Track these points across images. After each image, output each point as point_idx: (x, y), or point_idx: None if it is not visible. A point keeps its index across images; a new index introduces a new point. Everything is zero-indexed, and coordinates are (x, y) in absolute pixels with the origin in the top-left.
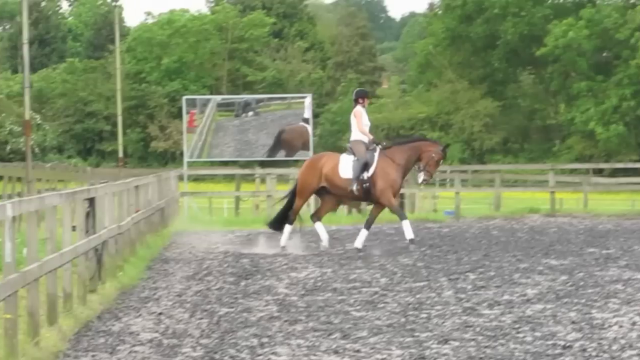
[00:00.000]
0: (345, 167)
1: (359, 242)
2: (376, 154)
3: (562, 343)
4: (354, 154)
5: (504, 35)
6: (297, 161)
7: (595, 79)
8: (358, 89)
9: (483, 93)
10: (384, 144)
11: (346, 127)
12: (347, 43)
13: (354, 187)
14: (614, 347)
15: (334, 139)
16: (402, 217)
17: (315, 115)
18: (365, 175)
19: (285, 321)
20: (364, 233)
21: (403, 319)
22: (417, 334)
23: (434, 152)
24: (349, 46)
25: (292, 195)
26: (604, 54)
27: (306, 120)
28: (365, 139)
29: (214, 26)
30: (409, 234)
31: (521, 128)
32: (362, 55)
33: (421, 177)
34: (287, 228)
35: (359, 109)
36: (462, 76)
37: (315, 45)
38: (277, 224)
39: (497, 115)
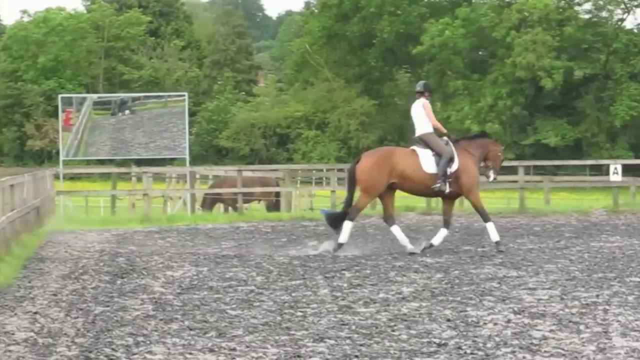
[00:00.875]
0: (428, 162)
1: (437, 240)
2: (453, 148)
3: (437, 341)
4: (430, 148)
5: (380, 34)
6: (173, 159)
7: (471, 78)
8: (424, 81)
9: (359, 91)
10: (452, 137)
11: (222, 126)
12: (223, 41)
13: (441, 184)
14: (489, 345)
15: (211, 137)
16: (487, 218)
17: (192, 114)
18: (449, 170)
19: (161, 320)
20: (443, 232)
21: (279, 318)
22: (292, 332)
23: (499, 151)
24: (226, 45)
25: (351, 193)
26: (480, 53)
27: None
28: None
29: (90, 25)
30: (494, 236)
31: (397, 126)
32: (239, 53)
33: (492, 175)
34: (348, 225)
35: (428, 102)
36: (339, 75)
37: (192, 44)
38: (337, 221)
39: (374, 113)
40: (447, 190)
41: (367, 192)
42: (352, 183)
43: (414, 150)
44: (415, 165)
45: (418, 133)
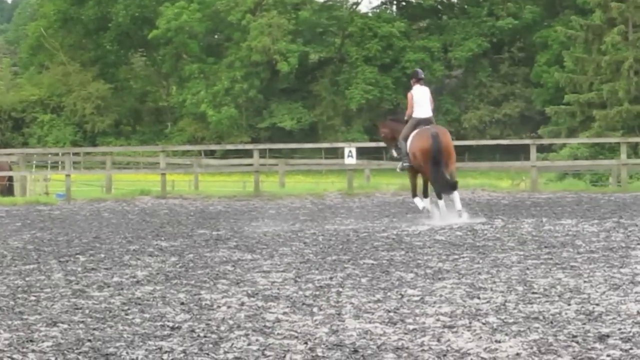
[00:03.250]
0: None
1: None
2: None
3: (171, 324)
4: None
5: (116, 17)
6: None
7: (207, 61)
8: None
9: (95, 75)
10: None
11: None
12: None
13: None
14: (222, 328)
15: None
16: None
17: None
18: None
19: None
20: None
21: (12, 302)
22: (25, 316)
23: None
24: None
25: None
26: (216, 37)
27: None
28: None
29: None
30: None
31: (133, 110)
32: None
33: None
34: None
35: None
36: (74, 58)
37: None
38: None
39: (109, 97)
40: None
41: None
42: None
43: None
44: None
45: (427, 115)
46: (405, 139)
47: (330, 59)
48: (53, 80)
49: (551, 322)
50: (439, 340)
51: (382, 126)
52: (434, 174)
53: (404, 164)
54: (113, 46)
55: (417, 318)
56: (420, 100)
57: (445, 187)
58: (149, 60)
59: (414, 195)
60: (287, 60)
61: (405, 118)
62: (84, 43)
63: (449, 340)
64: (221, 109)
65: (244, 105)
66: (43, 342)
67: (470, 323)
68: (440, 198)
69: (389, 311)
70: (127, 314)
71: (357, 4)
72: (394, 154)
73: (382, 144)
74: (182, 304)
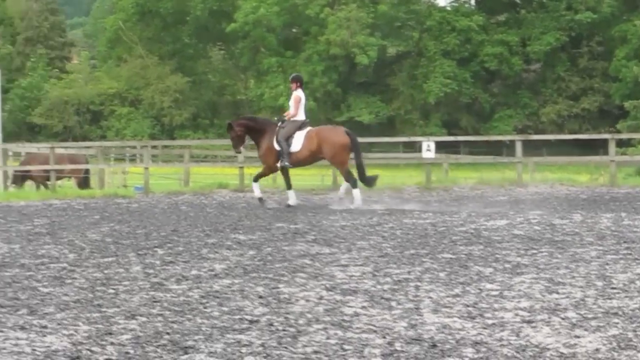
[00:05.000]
0: None
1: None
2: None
3: (249, 317)
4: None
5: (194, 11)
6: None
7: (285, 55)
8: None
9: (173, 68)
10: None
11: (35, 103)
12: (36, 18)
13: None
14: (301, 321)
15: (24, 114)
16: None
17: (5, 91)
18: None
19: None
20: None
21: (91, 295)
22: (104, 309)
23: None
24: (39, 21)
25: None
26: (294, 30)
27: None
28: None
29: None
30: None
31: (211, 103)
32: (52, 30)
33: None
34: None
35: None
36: (152, 51)
37: (5, 21)
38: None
39: (187, 90)
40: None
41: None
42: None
43: None
44: None
45: (305, 118)
46: (287, 139)
47: (408, 53)
48: (131, 74)
49: (631, 318)
50: (517, 335)
51: (237, 125)
52: (361, 169)
53: (286, 163)
54: (191, 39)
55: (496, 313)
56: (303, 104)
57: (367, 178)
58: (227, 53)
59: (256, 180)
60: (367, 54)
61: (287, 118)
62: (162, 36)
63: (527, 335)
64: None
65: (322, 98)
66: (122, 334)
67: (549, 318)
68: (355, 187)
69: (468, 306)
70: (205, 307)
71: None
72: (240, 151)
73: (460, 138)
74: (261, 297)
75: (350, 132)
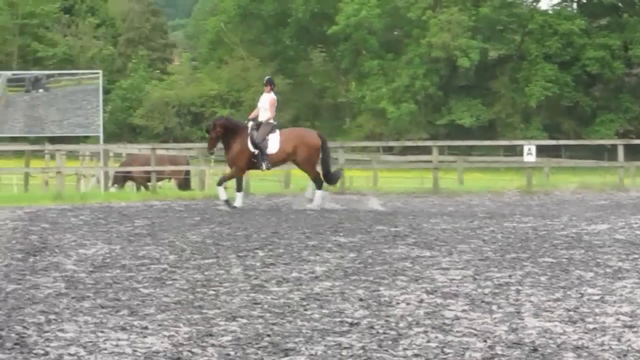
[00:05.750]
0: None
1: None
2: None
3: (350, 320)
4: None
5: (295, 13)
6: (87, 137)
7: (386, 58)
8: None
9: (274, 70)
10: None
11: (137, 104)
12: (138, 20)
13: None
14: (401, 325)
15: (125, 115)
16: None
17: (106, 92)
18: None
19: (73, 298)
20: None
21: (191, 296)
22: (205, 310)
23: None
24: (140, 23)
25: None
26: (395, 33)
27: None
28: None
29: (4, 2)
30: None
31: (312, 105)
32: (153, 31)
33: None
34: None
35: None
36: (253, 53)
37: (107, 22)
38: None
39: (288, 92)
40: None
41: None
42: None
43: None
44: None
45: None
46: (264, 140)
47: (509, 56)
48: (232, 75)
49: None
50: (619, 340)
51: (219, 125)
52: (327, 168)
53: (268, 165)
54: (292, 42)
55: (597, 317)
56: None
57: (331, 176)
58: (327, 55)
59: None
60: (468, 57)
61: (266, 120)
62: (264, 38)
63: (629, 340)
64: (400, 105)
65: (423, 101)
66: (222, 336)
67: None
68: (320, 188)
69: (569, 310)
70: (306, 310)
71: (538, 1)
72: (213, 152)
73: (562, 142)
74: (361, 300)
75: (321, 134)
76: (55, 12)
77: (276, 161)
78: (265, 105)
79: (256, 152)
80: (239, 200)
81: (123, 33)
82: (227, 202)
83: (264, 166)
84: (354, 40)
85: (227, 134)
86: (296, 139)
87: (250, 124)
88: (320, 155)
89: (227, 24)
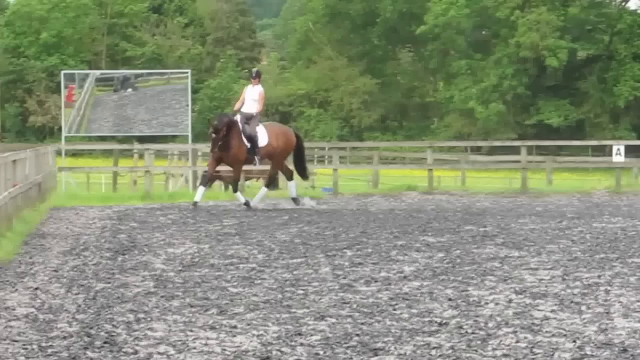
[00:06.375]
0: None
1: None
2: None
3: (439, 320)
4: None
5: (384, 12)
6: (175, 137)
7: (474, 58)
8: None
9: (362, 70)
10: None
11: (225, 103)
12: (226, 19)
13: None
14: (490, 325)
15: (214, 114)
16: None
17: (194, 92)
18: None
19: (162, 297)
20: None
21: (280, 296)
22: (294, 310)
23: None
24: (229, 22)
25: None
26: (483, 33)
27: None
28: None
29: (93, 1)
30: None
31: (400, 105)
32: (242, 31)
33: None
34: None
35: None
36: (342, 53)
37: (195, 21)
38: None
39: (376, 92)
40: None
41: None
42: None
43: None
44: None
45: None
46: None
47: (598, 57)
48: (320, 75)
49: None
50: None
51: (226, 125)
52: (303, 164)
53: (259, 159)
54: (380, 41)
55: None
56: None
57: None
58: (416, 55)
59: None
60: (557, 57)
61: (256, 113)
62: (352, 38)
63: None
64: (489, 106)
65: (512, 102)
66: (311, 335)
67: None
68: (267, 188)
69: None
70: (394, 309)
71: (627, 1)
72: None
73: None
74: (450, 300)
75: (297, 132)
76: (144, 11)
77: (264, 155)
78: (255, 97)
79: (249, 145)
80: (199, 196)
81: (211, 33)
82: (247, 204)
83: (257, 161)
84: (443, 40)
85: (227, 132)
86: (284, 135)
87: (239, 117)
88: (296, 152)
89: (315, 24)
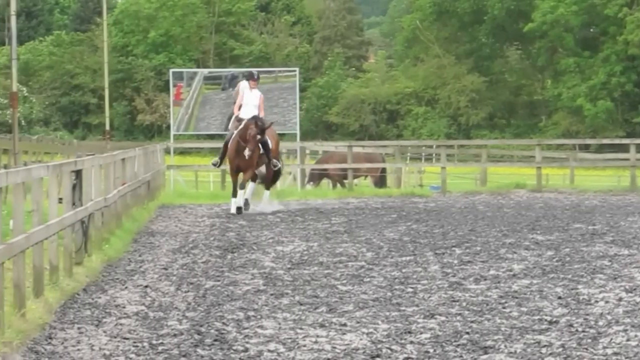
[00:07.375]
0: None
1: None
2: None
3: (549, 318)
4: None
5: (491, 10)
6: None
7: (582, 55)
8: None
9: (469, 68)
10: None
11: (332, 102)
12: (334, 17)
13: None
14: (600, 323)
15: (320, 113)
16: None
17: (302, 90)
18: None
19: (272, 295)
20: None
21: (389, 293)
22: (403, 308)
23: None
24: (336, 20)
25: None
26: (591, 30)
27: None
28: None
29: (201, 0)
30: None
31: (507, 103)
32: (349, 29)
33: None
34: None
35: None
36: (449, 51)
37: (302, 20)
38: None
39: (484, 90)
40: None
41: None
42: None
43: None
44: None
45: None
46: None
47: None
48: (428, 73)
49: None
50: None
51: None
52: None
53: None
54: (488, 39)
55: None
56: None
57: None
58: (523, 53)
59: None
60: None
61: (269, 123)
62: (459, 36)
63: None
64: (597, 103)
65: (620, 99)
66: (421, 333)
67: None
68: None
69: None
70: (504, 307)
71: None
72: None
73: None
74: (560, 298)
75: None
76: (252, 10)
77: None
78: (255, 102)
79: (262, 151)
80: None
81: (319, 31)
82: (239, 209)
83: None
84: (550, 38)
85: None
86: (274, 136)
87: (245, 123)
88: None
89: (422, 22)
